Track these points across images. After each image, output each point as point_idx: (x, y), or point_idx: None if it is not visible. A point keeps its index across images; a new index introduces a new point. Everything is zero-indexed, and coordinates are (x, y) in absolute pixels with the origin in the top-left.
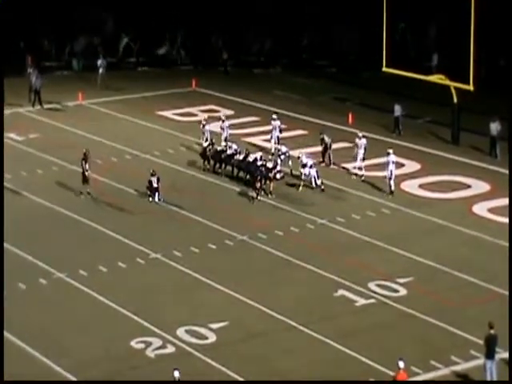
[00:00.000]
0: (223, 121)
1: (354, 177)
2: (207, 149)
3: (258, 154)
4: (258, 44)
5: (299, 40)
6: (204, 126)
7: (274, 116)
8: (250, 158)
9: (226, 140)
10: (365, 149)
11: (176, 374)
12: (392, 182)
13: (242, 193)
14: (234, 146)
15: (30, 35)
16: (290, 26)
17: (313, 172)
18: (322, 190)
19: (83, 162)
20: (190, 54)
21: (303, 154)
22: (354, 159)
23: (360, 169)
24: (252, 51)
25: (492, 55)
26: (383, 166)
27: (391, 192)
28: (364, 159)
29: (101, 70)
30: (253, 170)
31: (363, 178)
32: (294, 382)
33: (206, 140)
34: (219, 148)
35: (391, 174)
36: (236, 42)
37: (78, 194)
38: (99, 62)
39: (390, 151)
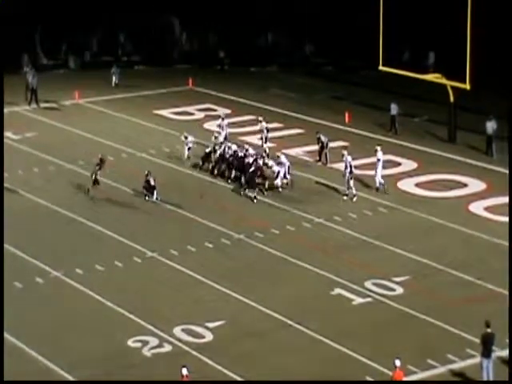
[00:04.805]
0: (223, 119)
1: (345, 197)
2: (210, 154)
3: (255, 157)
4: (255, 42)
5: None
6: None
7: (260, 118)
8: (250, 160)
9: (225, 138)
10: (351, 166)
11: (184, 371)
12: (378, 179)
13: (239, 191)
14: (234, 147)
15: (27, 34)
16: (288, 24)
17: (281, 170)
18: (279, 190)
19: (97, 168)
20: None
21: (282, 155)
22: (344, 177)
23: (349, 188)
24: (249, 49)
25: (488, 54)
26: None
27: (377, 189)
28: (352, 178)
29: (114, 78)
30: (251, 172)
31: (355, 199)
32: (291, 381)
33: (216, 138)
34: (223, 151)
35: (378, 171)
36: (233, 40)
37: (89, 195)
38: (113, 69)
39: (378, 148)
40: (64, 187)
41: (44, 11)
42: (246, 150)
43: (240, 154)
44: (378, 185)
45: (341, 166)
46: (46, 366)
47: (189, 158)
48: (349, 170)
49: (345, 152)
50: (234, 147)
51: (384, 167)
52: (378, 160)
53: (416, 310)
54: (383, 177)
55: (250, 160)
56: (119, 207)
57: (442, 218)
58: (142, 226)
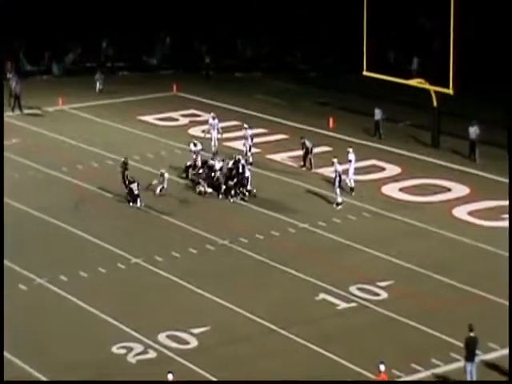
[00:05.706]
0: (214, 118)
1: (335, 206)
2: (191, 168)
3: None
4: (240, 48)
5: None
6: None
7: (246, 125)
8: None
9: (218, 140)
10: (339, 176)
11: (170, 377)
12: (351, 180)
13: (223, 198)
14: (199, 163)
15: (10, 40)
16: (277, 30)
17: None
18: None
19: (123, 170)
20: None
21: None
22: (333, 184)
23: (336, 195)
24: (234, 55)
25: (472, 59)
26: (364, 170)
27: (351, 189)
28: (341, 187)
29: (98, 84)
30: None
31: (340, 207)
32: (280, 381)
33: (196, 145)
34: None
35: (350, 172)
36: (218, 46)
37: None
38: (96, 75)
39: (350, 150)
40: (47, 194)
41: (27, 17)
42: (212, 165)
43: (202, 173)
44: (352, 185)
45: (325, 171)
46: (29, 372)
47: (155, 192)
48: (338, 178)
49: (335, 160)
50: (199, 163)
51: (368, 172)
52: (350, 161)
53: (400, 314)
54: (356, 180)
55: (218, 173)
56: (103, 213)
57: (426, 223)
58: (126, 232)
